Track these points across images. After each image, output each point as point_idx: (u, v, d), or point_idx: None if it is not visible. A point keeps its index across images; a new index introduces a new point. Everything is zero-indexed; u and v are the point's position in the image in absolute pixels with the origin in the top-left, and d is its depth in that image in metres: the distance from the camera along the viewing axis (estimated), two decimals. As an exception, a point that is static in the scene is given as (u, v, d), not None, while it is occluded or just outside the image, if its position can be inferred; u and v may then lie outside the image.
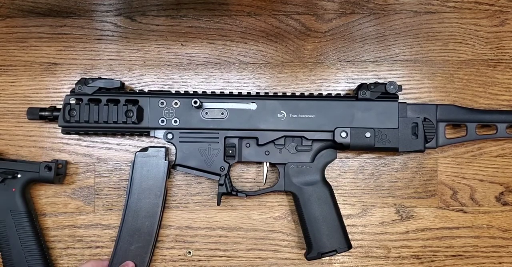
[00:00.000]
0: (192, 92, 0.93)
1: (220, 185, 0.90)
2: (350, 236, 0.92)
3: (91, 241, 0.96)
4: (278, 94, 0.92)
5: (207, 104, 0.90)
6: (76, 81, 0.91)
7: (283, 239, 0.97)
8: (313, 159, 0.92)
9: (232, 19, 0.99)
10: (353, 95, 0.93)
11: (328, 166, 0.93)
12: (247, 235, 0.96)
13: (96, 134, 0.95)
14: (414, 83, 0.98)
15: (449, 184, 0.97)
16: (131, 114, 0.89)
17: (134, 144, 0.97)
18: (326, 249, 0.89)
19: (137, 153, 0.91)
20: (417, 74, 0.99)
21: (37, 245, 0.92)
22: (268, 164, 0.93)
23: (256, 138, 0.91)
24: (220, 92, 0.93)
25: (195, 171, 0.90)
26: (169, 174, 0.93)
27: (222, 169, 0.90)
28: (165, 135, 0.90)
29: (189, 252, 0.96)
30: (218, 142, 0.90)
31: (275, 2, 0.99)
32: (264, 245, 0.96)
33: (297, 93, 0.93)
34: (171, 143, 0.91)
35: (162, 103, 0.90)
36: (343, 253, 0.95)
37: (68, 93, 0.91)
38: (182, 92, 0.93)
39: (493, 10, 1.00)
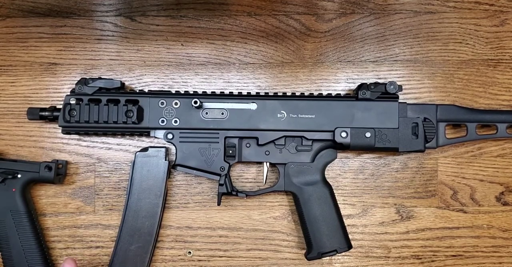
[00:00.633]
0: (192, 92, 0.93)
1: (220, 185, 0.90)
2: (350, 236, 0.92)
3: (91, 241, 0.96)
4: (278, 94, 0.92)
5: (207, 104, 0.90)
6: (76, 81, 0.91)
7: (283, 239, 0.97)
8: (313, 159, 0.92)
9: (232, 19, 0.99)
10: (353, 95, 0.93)
11: (328, 166, 0.93)
12: (247, 235, 0.96)
13: (96, 134, 0.95)
14: (414, 83, 0.98)
15: (449, 184, 0.97)
16: (131, 114, 0.89)
17: (134, 144, 0.97)
18: (326, 249, 0.89)
19: (137, 153, 0.91)
20: (417, 74, 0.99)
21: (37, 245, 0.92)
22: (268, 164, 0.93)
23: (256, 138, 0.91)
24: (220, 92, 0.93)
25: (195, 171, 0.90)
26: (169, 174, 0.93)
27: (222, 169, 0.90)
28: (165, 135, 0.90)
29: (189, 252, 0.96)
30: (218, 142, 0.90)
31: (275, 2, 0.99)
32: (264, 245, 0.96)
33: (297, 93, 0.93)
34: (171, 143, 0.91)
35: (162, 103, 0.90)
36: (343, 253, 0.95)
37: (68, 93, 0.91)
38: (182, 92, 0.93)
39: (493, 10, 1.00)
